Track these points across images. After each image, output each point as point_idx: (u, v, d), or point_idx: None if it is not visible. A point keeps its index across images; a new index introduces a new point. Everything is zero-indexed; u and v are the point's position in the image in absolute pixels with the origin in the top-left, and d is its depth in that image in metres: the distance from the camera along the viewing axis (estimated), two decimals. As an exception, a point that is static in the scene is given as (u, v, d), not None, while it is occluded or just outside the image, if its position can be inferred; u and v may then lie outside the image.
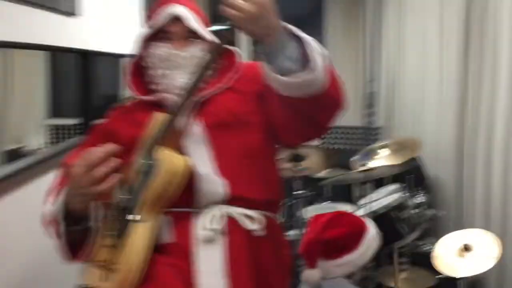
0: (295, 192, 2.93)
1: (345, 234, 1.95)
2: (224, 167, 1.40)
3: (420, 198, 3.38)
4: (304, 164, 2.87)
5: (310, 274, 1.96)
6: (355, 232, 1.97)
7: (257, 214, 1.43)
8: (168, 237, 1.37)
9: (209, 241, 1.35)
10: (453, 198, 3.64)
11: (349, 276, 2.52)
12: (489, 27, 3.11)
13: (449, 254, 2.55)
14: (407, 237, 3.06)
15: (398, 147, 3.42)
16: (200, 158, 1.39)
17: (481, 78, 3.22)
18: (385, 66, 5.20)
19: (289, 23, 1.29)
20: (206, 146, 1.40)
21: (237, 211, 1.42)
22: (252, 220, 1.41)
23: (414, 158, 3.72)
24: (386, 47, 5.13)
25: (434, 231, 3.58)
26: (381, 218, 3.01)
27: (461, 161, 3.57)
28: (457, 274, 2.48)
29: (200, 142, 1.39)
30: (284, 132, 1.42)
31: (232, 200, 1.41)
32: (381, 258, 3.07)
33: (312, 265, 1.96)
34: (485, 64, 3.16)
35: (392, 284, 2.58)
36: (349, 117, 5.42)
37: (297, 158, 2.80)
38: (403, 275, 2.63)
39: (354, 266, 1.99)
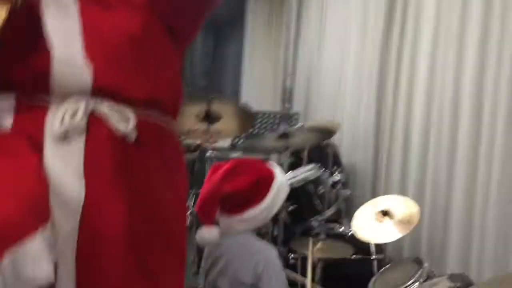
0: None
1: (248, 185, 1.69)
2: (94, 49, 1.09)
3: (336, 177, 3.33)
4: (218, 126, 2.62)
5: (205, 232, 1.68)
6: (260, 181, 1.72)
7: (132, 113, 1.12)
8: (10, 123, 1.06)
9: (64, 138, 1.04)
10: (369, 180, 3.60)
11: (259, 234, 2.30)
12: (409, 16, 3.17)
13: (368, 221, 2.43)
14: (323, 213, 2.96)
15: (315, 129, 3.34)
16: (62, 32, 1.09)
17: (400, 65, 3.25)
18: (305, 56, 5.22)
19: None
20: (73, 18, 1.09)
21: (105, 106, 1.11)
22: (124, 120, 1.10)
23: (330, 143, 3.68)
24: (306, 38, 5.15)
25: (350, 212, 3.50)
26: (298, 191, 2.88)
27: (377, 145, 3.56)
28: (376, 240, 2.36)
29: (66, 11, 1.09)
30: (173, 13, 1.16)
31: (100, 92, 1.10)
32: (296, 233, 2.90)
33: (209, 221, 1.69)
34: (405, 51, 3.21)
35: (307, 252, 2.39)
36: (268, 103, 5.48)
37: (210, 118, 2.53)
38: (319, 245, 2.47)
39: (261, 220, 1.75)
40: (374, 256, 3.00)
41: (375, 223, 2.42)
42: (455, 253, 2.48)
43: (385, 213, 2.41)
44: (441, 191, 2.68)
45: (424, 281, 2.09)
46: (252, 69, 5.82)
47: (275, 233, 2.77)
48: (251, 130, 3.48)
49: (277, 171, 1.85)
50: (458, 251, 2.46)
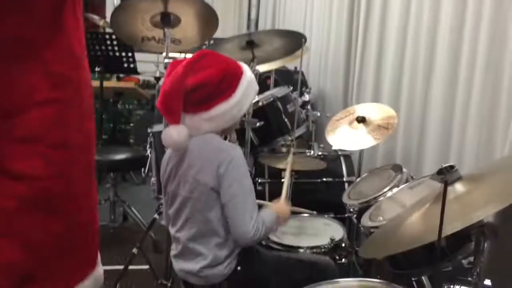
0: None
1: (214, 78, 1.50)
2: None
3: (306, 97, 3.15)
4: (177, 32, 2.34)
5: (173, 132, 1.49)
6: (227, 75, 1.54)
7: None
8: None
9: None
10: (340, 103, 3.43)
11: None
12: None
13: (342, 130, 2.26)
14: (292, 132, 2.77)
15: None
16: None
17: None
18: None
19: None
20: None
21: None
22: None
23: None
24: None
25: (320, 136, 3.34)
26: (265, 109, 2.67)
27: (348, 70, 3.39)
28: (352, 147, 2.20)
29: None
30: None
31: None
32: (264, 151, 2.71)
33: (175, 119, 1.50)
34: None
35: (281, 166, 2.22)
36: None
37: (165, 19, 2.22)
38: (289, 158, 2.29)
39: (230, 118, 1.57)
40: (346, 178, 2.89)
41: (350, 130, 2.25)
42: (433, 161, 2.34)
43: (360, 120, 2.23)
44: (417, 96, 2.52)
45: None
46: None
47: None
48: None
49: (246, 67, 1.63)
50: (436, 158, 2.32)
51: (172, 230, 1.63)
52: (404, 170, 2.05)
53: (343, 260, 2.16)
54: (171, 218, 1.63)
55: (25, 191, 0.90)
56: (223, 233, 1.53)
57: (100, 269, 1.11)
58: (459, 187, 1.30)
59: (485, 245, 1.36)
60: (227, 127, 1.61)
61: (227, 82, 1.54)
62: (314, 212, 2.19)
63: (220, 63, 1.55)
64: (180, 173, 1.56)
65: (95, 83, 3.87)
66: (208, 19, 2.36)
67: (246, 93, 1.58)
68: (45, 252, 0.95)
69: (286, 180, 1.94)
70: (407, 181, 1.99)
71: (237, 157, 1.52)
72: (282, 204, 1.72)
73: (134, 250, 2.49)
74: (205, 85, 1.50)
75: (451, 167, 1.31)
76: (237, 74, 1.57)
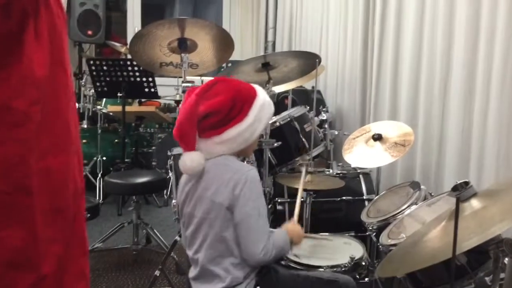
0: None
1: (225, 103, 1.55)
2: None
3: (323, 116, 3.16)
4: (194, 56, 2.40)
5: (187, 159, 1.55)
6: (239, 99, 1.57)
7: None
8: None
9: None
10: (358, 120, 3.44)
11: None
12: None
13: (359, 146, 2.26)
14: (310, 152, 2.78)
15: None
16: None
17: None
18: (287, 9, 5.02)
19: None
20: None
21: None
22: None
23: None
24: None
25: (338, 154, 3.35)
26: (283, 129, 2.70)
27: (364, 87, 3.41)
28: (369, 165, 2.20)
29: None
30: None
31: None
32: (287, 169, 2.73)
33: (189, 147, 1.56)
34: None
35: (297, 186, 2.22)
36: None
37: (182, 45, 2.29)
38: (308, 177, 2.30)
39: (244, 140, 1.60)
40: (366, 196, 2.88)
41: (367, 148, 2.25)
42: (452, 177, 2.32)
43: (376, 138, 2.24)
44: (434, 112, 2.52)
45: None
46: (233, 23, 5.64)
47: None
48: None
49: (259, 89, 1.67)
50: (455, 175, 2.30)
51: (189, 253, 1.65)
52: (422, 187, 2.04)
53: (365, 279, 2.15)
54: (188, 240, 1.65)
55: None
56: (239, 253, 1.55)
57: None
58: (475, 203, 1.30)
59: (505, 261, 1.34)
60: (241, 149, 1.63)
61: (238, 107, 1.57)
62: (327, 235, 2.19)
63: (230, 89, 1.59)
64: (196, 195, 1.59)
65: (118, 108, 3.98)
66: (224, 43, 2.42)
67: (259, 117, 1.60)
68: None
69: (298, 200, 1.95)
70: (425, 198, 1.99)
71: (252, 177, 1.54)
72: (294, 226, 1.73)
73: (157, 272, 2.52)
74: (216, 112, 1.55)
75: (466, 183, 1.31)
76: (249, 99, 1.59)
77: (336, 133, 3.12)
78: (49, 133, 0.99)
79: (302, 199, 1.98)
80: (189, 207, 1.62)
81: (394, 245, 1.66)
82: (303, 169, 2.10)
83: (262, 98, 1.63)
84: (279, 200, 2.75)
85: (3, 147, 0.91)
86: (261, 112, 1.61)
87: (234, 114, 1.57)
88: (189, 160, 1.55)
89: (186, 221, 1.65)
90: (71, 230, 1.04)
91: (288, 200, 2.73)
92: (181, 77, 2.42)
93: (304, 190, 2.43)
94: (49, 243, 0.98)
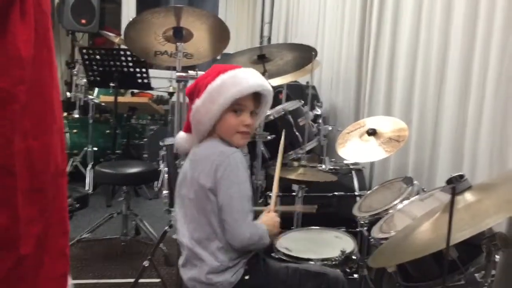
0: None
1: (192, 85, 1.62)
2: None
3: (317, 111, 3.16)
4: (189, 46, 2.37)
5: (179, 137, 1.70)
6: (202, 81, 1.60)
7: None
8: None
9: None
10: (352, 118, 3.43)
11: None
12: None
13: (353, 141, 2.25)
14: (303, 146, 2.77)
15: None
16: None
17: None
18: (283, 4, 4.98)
19: None
20: None
21: None
22: None
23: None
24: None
25: (331, 150, 3.34)
26: (276, 122, 2.68)
27: (359, 83, 3.39)
28: (362, 160, 2.19)
29: None
30: None
31: None
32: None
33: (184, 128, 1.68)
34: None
35: (292, 177, 2.22)
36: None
37: (177, 34, 2.26)
38: (301, 170, 2.29)
39: (196, 122, 1.61)
40: (358, 193, 2.87)
41: (361, 143, 2.24)
42: (445, 173, 2.32)
43: (371, 133, 2.23)
44: (428, 108, 2.51)
45: (415, 198, 1.94)
46: (229, 17, 5.60)
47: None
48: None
49: (236, 71, 1.64)
50: (448, 171, 2.30)
51: (179, 237, 1.64)
52: (415, 182, 2.03)
53: (354, 275, 2.14)
54: (179, 223, 1.64)
55: None
56: (223, 236, 1.53)
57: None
58: (469, 196, 1.29)
59: (497, 255, 1.34)
60: (202, 130, 1.60)
61: (197, 89, 1.59)
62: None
63: (207, 71, 1.62)
64: (188, 177, 1.60)
65: (110, 99, 3.94)
66: (220, 33, 2.40)
67: (212, 97, 1.54)
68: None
69: (274, 189, 1.92)
70: (418, 193, 1.98)
71: (235, 160, 1.53)
72: (270, 215, 1.70)
73: (145, 263, 2.49)
74: (188, 91, 1.64)
75: (461, 176, 1.31)
76: (209, 80, 1.57)
77: (330, 128, 3.11)
78: (33, 113, 0.97)
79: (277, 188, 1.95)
80: (181, 189, 1.64)
81: (386, 238, 1.65)
82: (279, 156, 2.05)
83: (223, 78, 1.55)
84: (270, 194, 2.73)
85: None
86: (216, 91, 1.54)
87: (194, 95, 1.60)
88: (176, 138, 1.71)
89: (180, 203, 1.65)
90: (51, 210, 1.03)
91: (281, 193, 2.71)
92: (174, 68, 2.39)
93: (296, 182, 2.42)
94: (29, 223, 0.97)
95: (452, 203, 1.09)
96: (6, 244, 0.94)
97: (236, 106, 1.57)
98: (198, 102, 1.56)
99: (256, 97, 1.61)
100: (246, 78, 1.57)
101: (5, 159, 0.92)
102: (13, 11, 0.92)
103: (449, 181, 1.31)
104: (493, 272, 1.39)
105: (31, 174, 0.97)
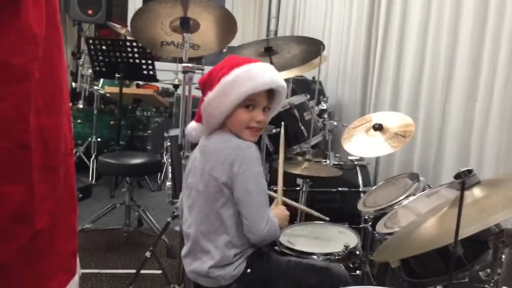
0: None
1: (204, 77, 1.60)
2: None
3: (323, 106, 3.14)
4: (196, 37, 2.35)
5: (190, 127, 1.68)
6: (215, 73, 1.58)
7: None
8: None
9: None
10: (357, 114, 3.41)
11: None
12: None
13: (359, 136, 2.23)
14: (308, 141, 2.75)
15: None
16: None
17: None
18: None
19: None
20: None
21: None
22: None
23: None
24: None
25: (336, 146, 3.32)
26: (282, 115, 2.65)
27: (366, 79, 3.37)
28: (368, 155, 2.17)
29: None
30: None
31: None
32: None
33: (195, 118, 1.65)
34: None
35: (296, 172, 2.20)
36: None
37: (184, 24, 2.24)
38: (305, 164, 2.27)
39: (206, 115, 1.60)
40: (362, 189, 2.85)
41: (367, 138, 2.22)
42: (451, 170, 2.30)
43: (377, 128, 2.21)
44: (435, 104, 2.49)
45: (420, 194, 1.92)
46: (235, 10, 5.58)
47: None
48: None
49: (250, 65, 1.62)
50: (454, 167, 2.28)
51: (184, 227, 1.63)
52: (421, 178, 2.02)
53: (357, 271, 2.13)
54: (185, 213, 1.63)
55: None
56: (233, 231, 1.52)
57: (77, 276, 1.10)
58: (477, 191, 1.27)
59: (504, 252, 1.32)
60: (213, 123, 1.59)
61: (210, 81, 1.56)
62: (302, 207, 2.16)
63: (220, 63, 1.59)
64: (199, 168, 1.59)
65: (115, 90, 3.93)
66: (227, 24, 2.37)
67: (225, 91, 1.52)
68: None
69: (279, 183, 1.91)
70: (424, 189, 1.96)
71: (251, 154, 1.52)
72: (281, 208, 1.71)
73: (147, 254, 2.49)
74: (201, 82, 1.61)
75: (469, 171, 1.29)
76: (223, 73, 1.54)
77: (335, 124, 3.10)
78: (45, 92, 0.98)
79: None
80: (190, 178, 1.63)
81: (391, 233, 1.64)
82: (280, 150, 2.04)
83: (237, 73, 1.53)
84: (274, 188, 2.72)
85: (4, 103, 0.91)
86: (229, 85, 1.52)
87: (207, 87, 1.57)
88: (187, 127, 1.68)
89: (186, 192, 1.64)
90: (62, 188, 1.05)
91: (284, 188, 2.70)
92: (180, 60, 2.37)
93: (301, 177, 2.40)
94: (43, 200, 0.99)
95: (461, 197, 1.07)
96: (23, 218, 0.96)
97: (249, 102, 1.55)
98: (210, 94, 1.54)
99: (270, 92, 1.59)
100: (261, 74, 1.55)
101: (21, 135, 0.94)
102: None
103: (458, 176, 1.30)
104: (499, 270, 1.37)
105: (45, 152, 0.99)
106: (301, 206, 2.15)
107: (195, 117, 1.68)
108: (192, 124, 1.68)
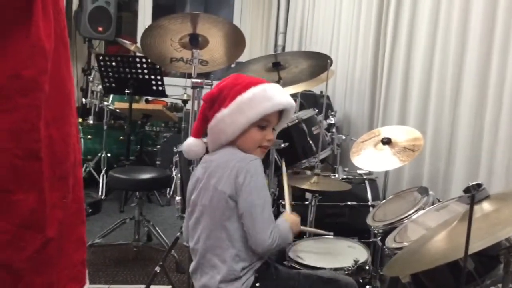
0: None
1: (213, 92, 1.60)
2: None
3: (331, 120, 3.15)
4: (205, 53, 2.38)
5: (191, 143, 1.67)
6: (227, 89, 1.59)
7: None
8: None
9: None
10: (366, 128, 3.42)
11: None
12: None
13: (367, 150, 2.24)
14: (317, 155, 2.76)
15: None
16: None
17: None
18: (297, 14, 5.02)
19: None
20: None
21: None
22: None
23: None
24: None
25: (345, 160, 3.32)
26: (290, 130, 2.68)
27: (374, 93, 3.38)
28: (377, 169, 2.17)
29: None
30: None
31: None
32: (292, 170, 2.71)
33: (193, 134, 1.69)
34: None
35: (305, 187, 2.20)
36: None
37: (193, 41, 2.28)
38: (314, 179, 2.27)
39: (218, 130, 1.60)
40: (371, 203, 2.84)
41: (375, 152, 2.22)
42: (460, 184, 2.29)
43: (385, 142, 2.21)
44: (444, 118, 2.49)
45: (430, 208, 1.91)
46: (243, 27, 5.63)
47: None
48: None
49: (266, 85, 1.65)
50: (464, 181, 2.27)
51: (191, 244, 1.63)
52: (430, 192, 2.01)
53: (367, 287, 2.11)
54: (190, 230, 1.63)
55: None
56: (239, 245, 1.52)
57: (87, 286, 1.12)
58: (486, 206, 1.27)
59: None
60: (222, 140, 1.60)
61: (222, 97, 1.57)
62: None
63: (229, 80, 1.61)
64: (203, 183, 1.60)
65: (125, 105, 3.97)
66: (236, 40, 2.41)
67: (241, 108, 1.54)
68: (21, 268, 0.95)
69: (286, 192, 1.94)
70: (433, 203, 1.95)
71: (255, 166, 1.53)
72: (291, 215, 1.71)
73: (157, 269, 2.49)
74: (206, 100, 1.61)
75: (478, 185, 1.29)
76: (238, 90, 1.56)
77: (344, 138, 3.11)
78: (54, 104, 1.01)
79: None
80: (194, 195, 1.63)
81: (400, 248, 1.63)
82: (283, 161, 2.07)
83: (255, 92, 1.55)
84: (283, 202, 2.72)
85: (16, 113, 0.94)
86: (246, 104, 1.54)
87: (218, 103, 1.58)
88: (186, 144, 1.67)
89: (190, 209, 1.64)
90: (71, 198, 1.06)
91: (293, 202, 2.70)
92: (189, 75, 2.40)
93: (310, 191, 2.40)
94: (53, 208, 1.01)
95: (471, 211, 1.07)
96: (34, 225, 0.98)
97: (263, 122, 1.58)
98: (225, 111, 1.54)
99: (280, 112, 1.62)
100: (276, 95, 1.58)
101: (33, 144, 0.97)
102: (36, 6, 0.97)
103: (467, 190, 1.29)
104: (510, 285, 1.36)
105: (53, 162, 1.02)
106: (304, 228, 2.15)
107: (193, 133, 1.68)
108: (191, 141, 1.67)
